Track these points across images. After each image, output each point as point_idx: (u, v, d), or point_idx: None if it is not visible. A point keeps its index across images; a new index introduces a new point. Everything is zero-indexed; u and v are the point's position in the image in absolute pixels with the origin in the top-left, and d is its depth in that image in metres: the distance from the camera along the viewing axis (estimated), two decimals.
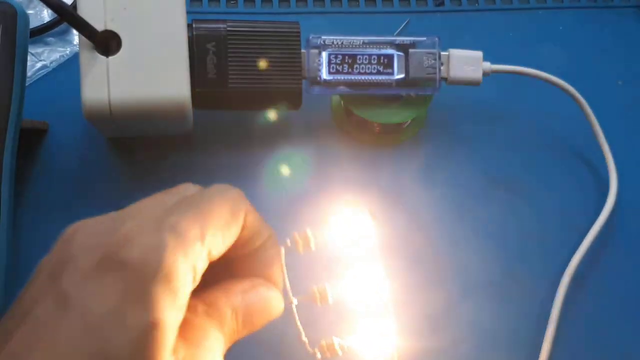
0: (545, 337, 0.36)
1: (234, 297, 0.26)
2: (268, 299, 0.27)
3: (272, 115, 0.39)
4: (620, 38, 0.47)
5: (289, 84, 0.37)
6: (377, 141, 0.41)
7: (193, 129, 0.38)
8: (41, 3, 0.31)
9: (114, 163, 0.39)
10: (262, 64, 0.36)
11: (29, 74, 0.40)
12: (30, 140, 0.39)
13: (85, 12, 0.33)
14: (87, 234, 0.24)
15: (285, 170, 0.40)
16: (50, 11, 0.43)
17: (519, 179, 0.41)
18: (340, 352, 0.29)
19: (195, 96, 0.35)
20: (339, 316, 0.32)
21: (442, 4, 0.47)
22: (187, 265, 0.22)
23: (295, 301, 0.29)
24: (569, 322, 0.37)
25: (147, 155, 0.39)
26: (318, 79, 0.37)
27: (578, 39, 0.46)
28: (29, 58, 0.37)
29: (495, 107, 0.43)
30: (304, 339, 0.29)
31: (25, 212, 0.37)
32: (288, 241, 0.29)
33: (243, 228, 0.25)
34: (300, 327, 0.29)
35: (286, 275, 0.29)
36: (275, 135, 0.40)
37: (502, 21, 0.47)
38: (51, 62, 0.42)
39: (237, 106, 0.37)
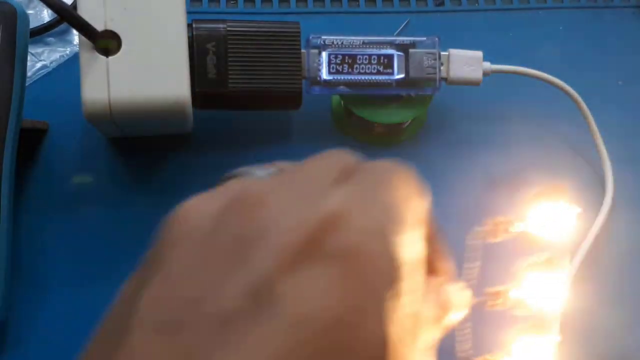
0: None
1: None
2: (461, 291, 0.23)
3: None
4: (620, 38, 0.47)
5: (289, 84, 0.37)
6: (377, 141, 0.41)
7: (193, 129, 0.37)
8: (41, 3, 0.31)
9: (114, 163, 0.39)
10: (262, 64, 0.36)
11: (29, 74, 0.40)
12: (30, 140, 0.39)
13: (85, 12, 0.33)
14: (281, 207, 0.17)
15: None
16: (50, 11, 0.43)
17: (520, 179, 0.41)
18: None
19: (195, 96, 0.35)
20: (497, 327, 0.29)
21: (442, 4, 0.47)
22: (415, 261, 0.18)
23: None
24: (571, 320, 0.36)
25: (147, 155, 0.39)
26: (318, 79, 0.37)
27: (578, 39, 0.46)
28: (29, 58, 0.37)
29: (495, 107, 0.43)
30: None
31: (25, 212, 0.37)
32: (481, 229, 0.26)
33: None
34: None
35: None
36: (275, 135, 0.40)
37: (502, 21, 0.47)
38: (51, 62, 0.42)
39: (237, 106, 0.37)
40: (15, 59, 0.34)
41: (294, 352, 0.15)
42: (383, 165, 0.20)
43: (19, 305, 0.35)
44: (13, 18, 0.34)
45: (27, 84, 0.36)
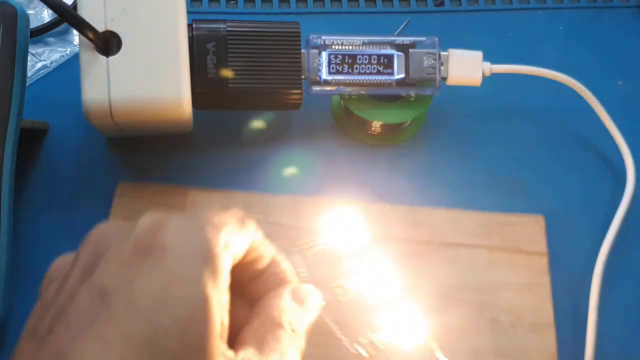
0: (587, 327, 0.35)
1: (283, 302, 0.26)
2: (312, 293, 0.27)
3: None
4: (619, 38, 0.47)
5: (289, 84, 0.37)
6: (377, 141, 0.41)
7: (193, 129, 0.37)
8: (41, 3, 0.31)
9: (114, 163, 0.39)
10: (262, 64, 0.36)
11: (29, 74, 0.40)
12: (31, 140, 0.39)
13: (86, 12, 0.33)
14: (114, 230, 0.23)
15: (285, 170, 0.40)
16: (50, 11, 0.43)
17: (520, 178, 0.41)
18: (382, 347, 0.31)
19: (195, 96, 0.35)
20: (363, 312, 0.33)
21: (442, 4, 0.47)
22: (224, 244, 0.22)
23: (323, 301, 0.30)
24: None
25: (147, 155, 0.39)
26: (318, 79, 0.37)
27: (578, 39, 0.46)
28: (29, 58, 0.37)
29: (495, 107, 0.43)
30: (342, 337, 0.31)
31: (25, 212, 0.37)
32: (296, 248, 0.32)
33: (250, 247, 0.25)
34: (333, 326, 0.31)
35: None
36: (276, 135, 0.40)
37: (502, 21, 0.47)
38: (51, 62, 0.42)
39: (237, 106, 0.37)
40: (16, 59, 0.34)
41: (135, 327, 0.20)
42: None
43: (19, 305, 0.35)
44: (13, 18, 0.34)
45: (27, 84, 0.36)
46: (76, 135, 0.39)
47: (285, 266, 0.28)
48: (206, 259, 0.22)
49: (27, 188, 0.38)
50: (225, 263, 0.22)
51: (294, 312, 0.26)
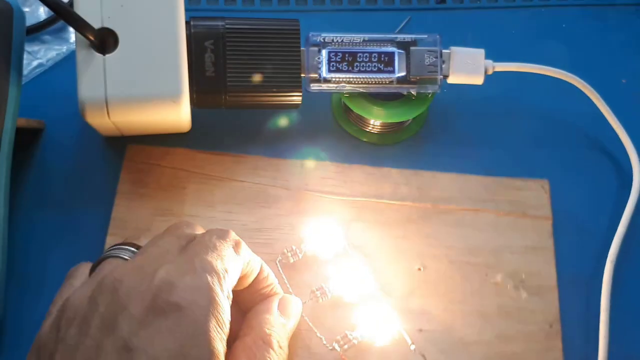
0: (600, 323, 0.36)
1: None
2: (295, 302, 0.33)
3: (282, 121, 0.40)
4: (623, 36, 0.46)
5: (289, 83, 0.36)
6: (378, 140, 0.41)
7: (191, 128, 0.37)
8: (37, 0, 0.31)
9: (111, 162, 0.38)
10: (261, 62, 0.36)
11: (25, 72, 0.40)
12: (26, 139, 0.38)
13: (82, 9, 0.33)
14: (129, 282, 0.26)
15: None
16: (46, 9, 0.43)
17: (524, 177, 0.40)
18: (355, 342, 0.33)
19: (193, 95, 0.35)
20: (342, 312, 0.35)
21: (443, 1, 0.46)
22: (225, 295, 0.26)
23: (302, 302, 0.34)
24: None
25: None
26: (318, 77, 0.37)
27: (581, 36, 0.46)
28: (25, 56, 0.37)
29: (497, 105, 0.43)
30: (320, 335, 0.34)
31: (21, 211, 0.37)
32: (280, 257, 0.35)
33: (245, 261, 0.29)
34: (313, 326, 0.34)
35: (288, 285, 0.35)
36: (275, 134, 0.40)
37: (504, 19, 0.46)
38: (47, 60, 0.41)
39: (235, 105, 0.37)
40: (12, 57, 0.34)
41: None
42: (209, 233, 0.29)
43: (15, 305, 0.35)
44: (9, 15, 0.34)
45: (23, 83, 0.36)
46: (72, 134, 0.39)
47: (272, 277, 0.32)
48: (214, 315, 0.25)
49: (22, 187, 0.38)
50: (227, 308, 0.26)
51: (282, 329, 0.30)
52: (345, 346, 0.33)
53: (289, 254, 0.35)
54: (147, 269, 0.26)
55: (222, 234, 0.29)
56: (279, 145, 0.40)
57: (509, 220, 0.38)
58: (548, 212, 0.38)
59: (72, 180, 0.38)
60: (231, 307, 0.27)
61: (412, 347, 0.34)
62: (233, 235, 0.29)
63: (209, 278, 0.26)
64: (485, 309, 0.36)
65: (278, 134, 0.40)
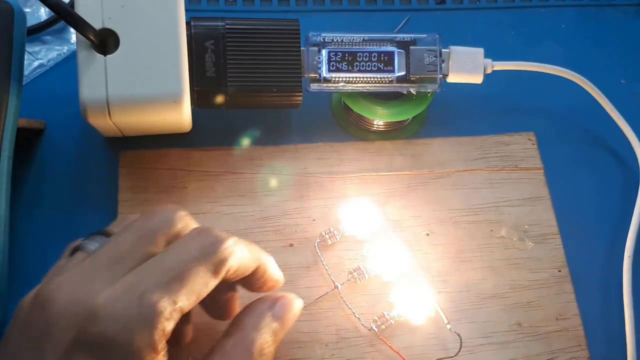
0: (625, 320, 0.36)
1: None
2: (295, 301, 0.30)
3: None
4: (622, 36, 0.46)
5: (289, 82, 0.36)
6: (378, 139, 0.41)
7: (192, 128, 0.37)
8: (38, 1, 0.31)
9: (112, 162, 0.38)
10: (261, 62, 0.36)
11: (25, 72, 0.40)
12: (27, 139, 0.38)
13: (83, 10, 0.33)
14: (59, 305, 0.23)
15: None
16: (47, 9, 0.43)
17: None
18: (392, 322, 0.34)
19: (194, 95, 0.35)
20: (378, 290, 0.36)
21: (443, 2, 0.46)
22: (158, 335, 0.23)
23: (339, 286, 0.35)
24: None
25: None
26: (318, 76, 0.37)
27: (580, 37, 0.46)
28: (25, 57, 0.37)
29: (496, 104, 0.43)
30: (357, 316, 0.34)
31: (22, 212, 0.37)
32: (318, 239, 0.36)
33: (228, 274, 0.26)
34: (350, 307, 0.34)
35: (327, 267, 0.35)
36: (275, 134, 0.40)
37: (503, 19, 0.46)
38: (48, 61, 0.41)
39: (236, 105, 0.37)
40: (12, 58, 0.34)
41: None
42: (190, 243, 0.25)
43: (16, 306, 0.35)
44: (10, 16, 0.34)
45: (24, 83, 0.36)
46: (73, 135, 0.39)
47: (273, 275, 0.29)
48: (139, 355, 0.23)
49: (23, 187, 0.38)
50: (157, 348, 0.23)
51: (270, 334, 0.28)
52: (383, 326, 0.34)
53: (327, 236, 0.36)
54: (81, 288, 0.24)
55: (207, 250, 0.25)
56: (278, 144, 0.40)
57: (503, 175, 0.40)
58: (538, 162, 0.40)
59: (73, 181, 0.38)
60: (228, 287, 0.27)
61: (448, 326, 0.34)
62: (223, 248, 0.25)
63: (141, 316, 0.23)
64: (495, 264, 0.37)
65: (277, 133, 0.40)
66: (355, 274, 0.35)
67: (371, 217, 0.36)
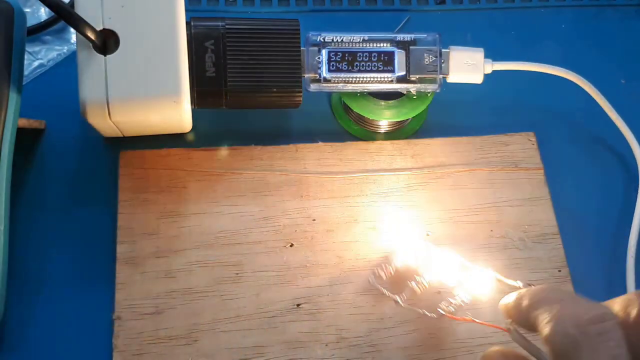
0: None
1: None
2: None
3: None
4: (622, 36, 0.46)
5: (289, 83, 0.36)
6: (378, 139, 0.41)
7: (192, 128, 0.37)
8: (38, 1, 0.31)
9: (112, 162, 0.38)
10: (261, 62, 0.36)
11: (26, 72, 0.40)
12: (27, 139, 0.38)
13: (83, 10, 0.33)
14: None
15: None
16: (47, 9, 0.43)
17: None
18: (452, 309, 0.34)
19: (194, 95, 0.35)
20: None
21: (443, 2, 0.46)
22: None
23: (400, 300, 0.34)
24: None
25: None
26: (318, 76, 0.37)
27: (580, 37, 0.46)
28: (26, 57, 0.37)
29: (496, 105, 0.43)
30: (423, 312, 0.34)
31: (22, 212, 0.37)
32: (372, 276, 0.36)
33: None
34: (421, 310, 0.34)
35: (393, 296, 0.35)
36: (275, 134, 0.40)
37: (503, 19, 0.46)
38: (48, 61, 0.41)
39: (236, 105, 0.37)
40: (13, 58, 0.34)
41: None
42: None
43: (17, 306, 0.35)
44: (10, 16, 0.34)
45: (24, 83, 0.36)
46: (73, 135, 0.39)
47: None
48: None
49: (24, 187, 0.38)
50: None
51: None
52: (449, 307, 0.34)
53: (382, 273, 0.36)
54: None
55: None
56: (278, 144, 0.40)
57: (503, 175, 0.40)
58: (538, 162, 0.40)
59: (73, 180, 0.38)
60: None
61: (518, 282, 0.33)
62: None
63: None
64: (496, 264, 0.36)
65: (278, 133, 0.40)
66: (412, 283, 0.34)
67: (416, 244, 0.36)
